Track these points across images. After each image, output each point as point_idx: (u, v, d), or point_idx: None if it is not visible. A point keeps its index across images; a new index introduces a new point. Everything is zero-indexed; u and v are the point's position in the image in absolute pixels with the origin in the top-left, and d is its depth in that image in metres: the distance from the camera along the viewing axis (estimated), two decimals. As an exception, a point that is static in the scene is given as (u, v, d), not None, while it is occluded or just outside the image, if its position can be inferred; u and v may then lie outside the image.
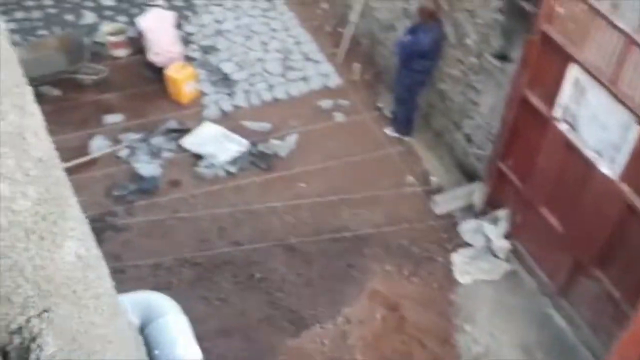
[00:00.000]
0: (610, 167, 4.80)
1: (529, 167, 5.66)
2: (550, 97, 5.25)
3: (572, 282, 5.46)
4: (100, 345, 1.74)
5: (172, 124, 7.43)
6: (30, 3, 9.15)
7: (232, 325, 5.63)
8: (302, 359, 5.42)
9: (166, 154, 7.12)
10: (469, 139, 6.69)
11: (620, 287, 4.95)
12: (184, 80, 7.67)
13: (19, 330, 1.42)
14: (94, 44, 8.51)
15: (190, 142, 7.16)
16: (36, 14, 9.00)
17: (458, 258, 6.12)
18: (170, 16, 7.95)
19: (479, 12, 5.96)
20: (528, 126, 5.59)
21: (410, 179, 6.92)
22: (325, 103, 7.78)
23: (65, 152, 6.94)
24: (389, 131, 7.45)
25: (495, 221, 6.13)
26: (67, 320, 1.55)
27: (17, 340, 1.42)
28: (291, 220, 6.49)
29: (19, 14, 8.98)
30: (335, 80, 8.07)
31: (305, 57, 8.40)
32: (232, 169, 6.91)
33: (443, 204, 6.56)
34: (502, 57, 5.87)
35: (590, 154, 4.95)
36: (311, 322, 5.64)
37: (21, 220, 1.32)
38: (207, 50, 8.47)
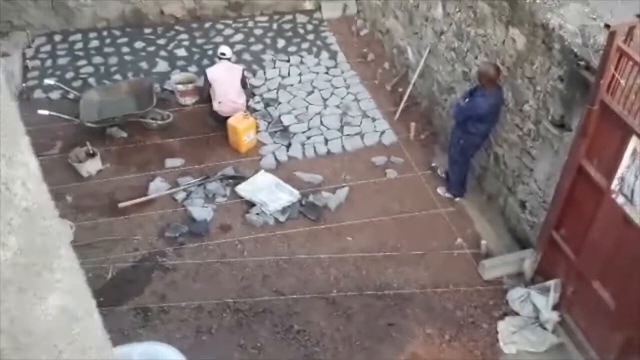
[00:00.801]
0: (667, 245, 4.58)
1: (582, 238, 5.47)
2: (608, 169, 5.10)
3: (623, 361, 5.17)
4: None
5: (229, 171, 7.65)
6: (109, 49, 9.78)
7: (264, 375, 5.59)
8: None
9: (220, 199, 7.30)
10: (522, 204, 6.55)
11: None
12: (245, 130, 7.92)
13: None
14: (163, 91, 8.97)
15: (244, 189, 7.33)
16: (113, 60, 9.58)
17: (504, 326, 5.90)
18: (237, 69, 8.29)
19: (539, 80, 5.92)
20: (583, 196, 5.43)
21: (459, 241, 6.80)
22: (379, 159, 7.83)
23: (126, 191, 7.28)
24: (442, 191, 7.40)
25: (545, 291, 5.91)
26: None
27: None
28: (335, 273, 6.47)
29: (97, 59, 9.59)
30: (390, 138, 8.14)
31: (363, 114, 8.54)
32: (282, 218, 7.01)
33: (492, 270, 6.39)
34: (561, 125, 5.79)
35: (647, 229, 4.75)
36: (345, 381, 5.54)
37: (-1, 271, 1.28)
38: (270, 102, 8.76)
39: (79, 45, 9.88)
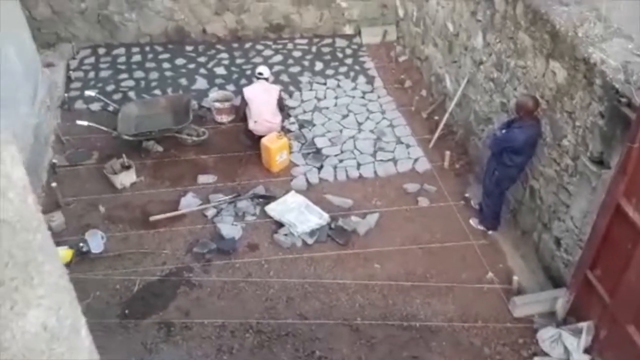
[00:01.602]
0: None
1: (618, 280, 5.28)
2: (648, 209, 4.95)
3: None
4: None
5: (260, 190, 7.66)
6: (150, 65, 9.96)
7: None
8: None
9: (249, 218, 7.30)
10: (557, 242, 6.38)
11: None
12: (278, 150, 7.94)
13: None
14: (200, 108, 9.08)
15: (273, 209, 7.32)
16: (153, 75, 9.76)
17: (532, 367, 5.72)
18: (274, 89, 8.34)
19: (579, 114, 5.80)
20: (621, 237, 5.25)
21: (490, 275, 6.64)
22: (412, 187, 7.74)
23: (158, 205, 7.34)
24: (474, 223, 7.26)
25: (577, 333, 5.70)
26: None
27: None
28: (360, 300, 6.37)
29: (138, 73, 9.78)
30: (424, 166, 8.06)
31: (397, 140, 8.48)
32: (309, 240, 6.96)
33: (523, 307, 6.21)
34: (599, 162, 5.64)
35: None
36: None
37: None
38: (304, 124, 8.78)
39: (122, 59, 10.10)
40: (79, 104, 9.10)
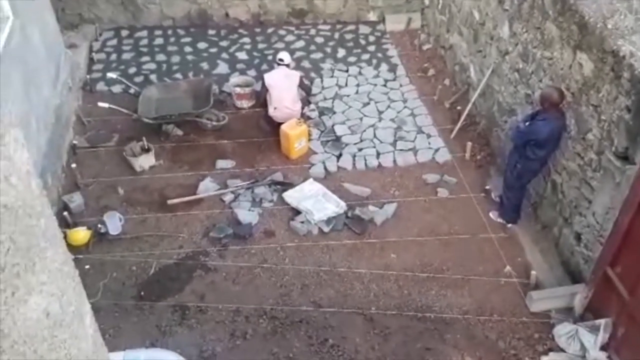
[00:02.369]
0: None
1: (639, 278, 5.17)
2: (672, 206, 4.82)
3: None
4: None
5: (278, 177, 7.64)
6: (173, 48, 9.96)
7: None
8: None
9: (266, 204, 7.29)
10: (578, 237, 6.26)
11: None
12: (297, 137, 7.90)
13: None
14: (221, 92, 9.06)
15: (291, 196, 7.29)
16: (175, 59, 9.76)
17: (547, 363, 5.64)
18: (295, 75, 8.29)
19: (605, 108, 5.66)
20: (644, 234, 5.14)
21: (508, 268, 6.56)
22: (431, 177, 7.66)
23: (176, 189, 7.36)
24: (494, 215, 7.16)
25: (594, 330, 5.61)
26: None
27: None
28: (375, 290, 6.34)
29: (160, 57, 9.79)
30: (444, 156, 7.96)
31: (418, 130, 8.38)
32: (326, 228, 6.93)
33: (540, 302, 6.13)
34: (624, 157, 5.50)
35: None
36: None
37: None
38: (324, 111, 8.71)
39: (144, 41, 10.11)
40: (101, 86, 9.14)
